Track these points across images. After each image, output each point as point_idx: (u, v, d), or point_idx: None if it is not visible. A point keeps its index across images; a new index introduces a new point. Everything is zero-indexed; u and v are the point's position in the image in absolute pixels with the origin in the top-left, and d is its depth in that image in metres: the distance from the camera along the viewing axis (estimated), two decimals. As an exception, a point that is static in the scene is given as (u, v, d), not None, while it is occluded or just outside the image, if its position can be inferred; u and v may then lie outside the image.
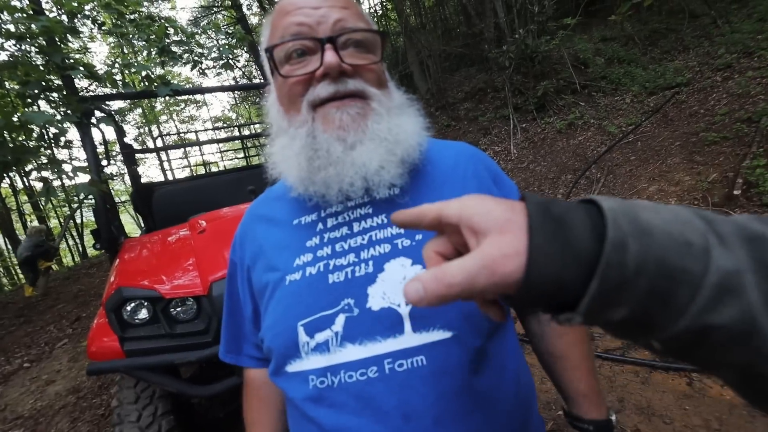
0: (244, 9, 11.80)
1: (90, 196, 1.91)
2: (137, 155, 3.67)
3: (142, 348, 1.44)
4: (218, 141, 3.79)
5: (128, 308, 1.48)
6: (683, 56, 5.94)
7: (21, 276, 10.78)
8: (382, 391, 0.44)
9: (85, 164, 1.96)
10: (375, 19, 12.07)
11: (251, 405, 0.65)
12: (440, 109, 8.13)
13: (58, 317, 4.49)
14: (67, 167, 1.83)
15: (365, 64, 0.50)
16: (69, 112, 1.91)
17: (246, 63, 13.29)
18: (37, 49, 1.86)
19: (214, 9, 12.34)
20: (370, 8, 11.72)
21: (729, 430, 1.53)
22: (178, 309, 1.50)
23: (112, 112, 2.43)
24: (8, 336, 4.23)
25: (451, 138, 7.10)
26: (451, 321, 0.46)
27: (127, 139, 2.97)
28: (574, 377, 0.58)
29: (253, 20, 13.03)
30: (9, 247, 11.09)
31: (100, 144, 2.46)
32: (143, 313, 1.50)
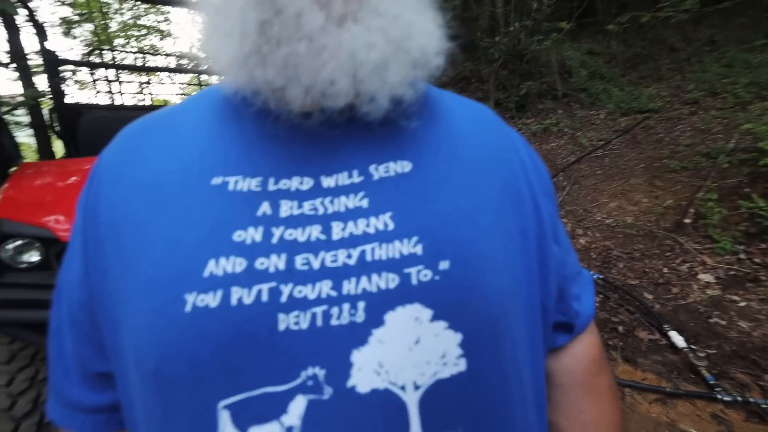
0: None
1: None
2: (73, 74, 3.11)
3: (21, 299, 1.15)
4: (164, 70, 3.28)
5: (9, 247, 1.18)
6: (657, 84, 6.17)
7: None
8: None
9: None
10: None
11: None
12: (422, 91, 7.93)
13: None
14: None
15: None
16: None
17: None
18: None
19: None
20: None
21: (653, 448, 1.57)
22: (79, 257, 1.22)
23: (31, 10, 1.96)
24: None
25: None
26: (478, 421, 0.29)
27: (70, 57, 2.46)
28: None
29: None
30: None
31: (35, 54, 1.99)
32: (31, 256, 1.21)
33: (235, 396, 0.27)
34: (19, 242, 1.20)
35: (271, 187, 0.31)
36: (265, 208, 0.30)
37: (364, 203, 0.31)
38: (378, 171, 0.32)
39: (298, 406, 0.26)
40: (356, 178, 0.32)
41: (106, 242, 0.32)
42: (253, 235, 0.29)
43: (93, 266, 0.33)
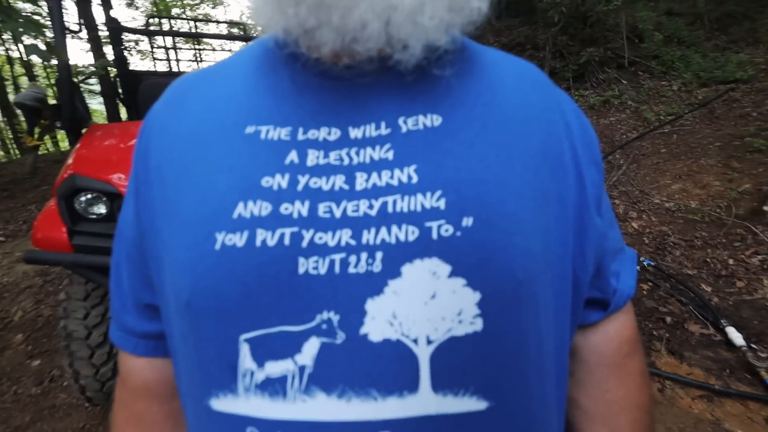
0: None
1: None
2: (136, 44, 3.29)
3: (92, 245, 1.29)
4: (218, 37, 3.38)
5: (82, 199, 1.32)
6: (751, 50, 5.34)
7: (15, 148, 10.61)
8: None
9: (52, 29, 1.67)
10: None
11: (150, 430, 0.40)
12: (471, 59, 7.50)
13: (41, 198, 4.39)
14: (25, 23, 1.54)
15: None
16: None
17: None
18: None
19: None
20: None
21: (691, 444, 1.49)
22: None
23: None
24: (-11, 207, 4.16)
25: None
26: (492, 383, 0.29)
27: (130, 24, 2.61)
28: None
29: None
30: (5, 118, 10.76)
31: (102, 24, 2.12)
32: (99, 208, 1.34)
33: (255, 331, 0.28)
34: (89, 195, 1.34)
35: (300, 136, 0.31)
36: (292, 156, 0.31)
37: (390, 155, 0.30)
38: (407, 124, 0.31)
39: (311, 347, 0.28)
40: (384, 130, 0.31)
41: (154, 186, 0.34)
42: (279, 181, 0.30)
43: (143, 207, 0.35)
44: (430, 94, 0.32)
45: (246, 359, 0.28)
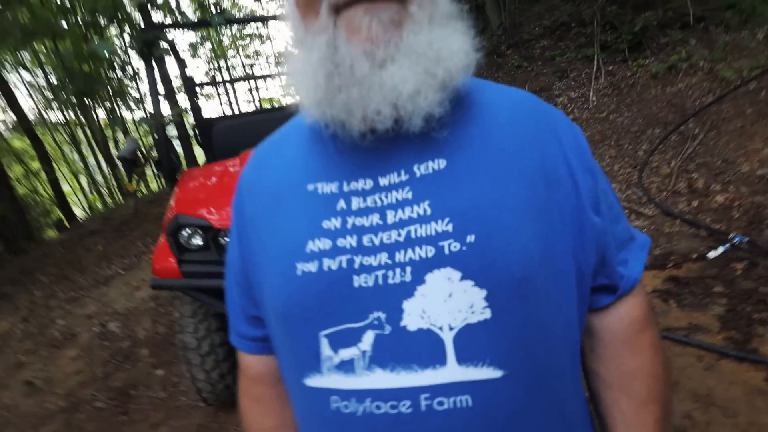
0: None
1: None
2: (203, 89, 3.80)
3: (195, 271, 1.58)
4: (270, 76, 3.78)
5: (184, 234, 1.62)
6: None
7: (119, 196, 12.57)
8: (418, 431, 0.37)
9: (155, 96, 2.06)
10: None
11: (268, 408, 0.55)
12: (512, 47, 7.24)
13: (144, 235, 5.18)
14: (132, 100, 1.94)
15: None
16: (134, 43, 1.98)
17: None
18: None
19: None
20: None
21: (802, 436, 1.35)
22: (227, 239, 1.60)
23: (173, 42, 2.49)
24: (109, 247, 5.01)
25: (520, 81, 6.41)
26: (505, 357, 0.38)
27: (199, 75, 3.06)
28: (633, 419, 0.46)
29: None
30: (108, 170, 12.79)
31: (176, 78, 2.55)
32: (197, 240, 1.63)
33: (330, 329, 0.40)
34: (189, 231, 1.64)
35: (345, 188, 0.43)
36: (341, 204, 0.42)
37: (409, 195, 0.41)
38: (419, 169, 0.41)
39: (368, 338, 0.39)
40: (403, 177, 0.41)
41: (250, 231, 0.48)
42: (335, 223, 0.41)
43: (245, 248, 0.49)
44: (435, 143, 0.42)
45: (325, 349, 0.40)
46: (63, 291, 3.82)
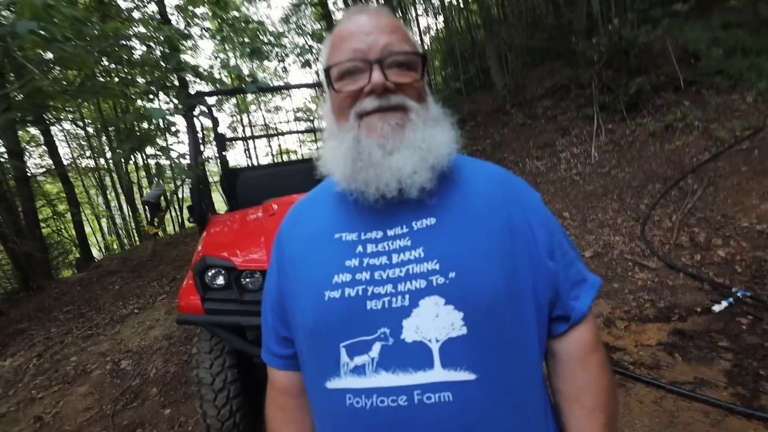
0: (330, 5, 12.47)
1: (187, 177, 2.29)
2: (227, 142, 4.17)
3: (216, 308, 1.71)
4: (291, 132, 4.18)
5: (209, 274, 1.77)
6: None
7: (137, 238, 12.99)
8: (410, 419, 0.48)
9: (185, 151, 2.34)
10: (454, 12, 11.81)
11: (291, 416, 0.66)
12: (515, 106, 7.74)
13: (160, 276, 5.35)
14: (173, 153, 2.22)
15: (407, 82, 0.56)
16: (179, 106, 2.30)
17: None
18: (160, 54, 2.27)
19: (303, 5, 13.25)
20: (448, 2, 11.47)
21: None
22: (248, 280, 1.74)
23: (210, 106, 2.84)
24: (125, 286, 5.17)
25: (524, 137, 6.78)
26: (477, 364, 0.49)
27: (221, 128, 3.42)
28: (583, 424, 0.57)
29: (338, 15, 13.69)
30: (130, 213, 13.37)
31: (201, 131, 2.88)
32: (220, 280, 1.78)
33: (348, 341, 0.51)
34: (213, 271, 1.80)
35: (362, 237, 0.57)
36: (359, 248, 0.57)
37: (408, 243, 0.55)
38: (416, 224, 0.56)
39: (377, 347, 0.50)
40: (404, 229, 0.56)
41: (288, 267, 0.62)
42: (354, 262, 0.55)
43: (282, 280, 0.63)
44: (428, 206, 0.58)
45: (344, 357, 0.53)
46: (78, 328, 3.92)
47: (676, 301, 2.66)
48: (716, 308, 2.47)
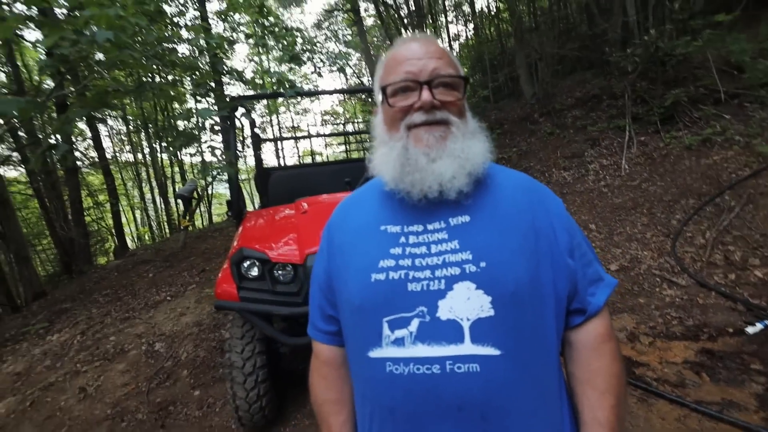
0: (362, 12, 12.75)
1: (223, 174, 2.45)
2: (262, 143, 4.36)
3: (251, 297, 1.84)
4: (324, 135, 4.34)
5: (245, 264, 1.90)
6: None
7: (167, 230, 13.63)
8: (443, 385, 0.55)
9: (224, 148, 2.51)
10: (484, 20, 11.79)
11: (332, 384, 0.75)
12: (544, 115, 7.65)
13: (190, 267, 5.63)
14: (217, 151, 2.39)
15: (451, 100, 0.65)
16: (223, 108, 2.47)
17: (357, 63, 14.32)
18: (207, 60, 2.46)
19: (335, 12, 13.61)
20: (479, 11, 11.47)
21: None
22: (280, 272, 1.86)
23: (249, 108, 3.01)
24: (158, 275, 5.47)
25: (552, 147, 6.69)
26: (502, 342, 0.57)
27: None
28: (595, 404, 0.63)
29: (368, 21, 13.98)
30: (163, 206, 14.03)
31: (239, 130, 3.06)
32: (255, 270, 1.90)
33: (390, 316, 0.60)
34: (249, 262, 1.93)
35: (405, 229, 0.66)
36: (402, 239, 0.65)
37: (446, 236, 0.63)
38: (453, 221, 0.64)
39: (415, 323, 0.59)
40: (442, 224, 0.65)
41: (336, 253, 0.72)
42: (397, 250, 0.64)
43: (331, 265, 0.72)
44: (464, 206, 0.66)
45: (386, 330, 0.61)
46: (116, 311, 4.19)
47: (707, 320, 2.59)
48: (750, 330, 2.39)
